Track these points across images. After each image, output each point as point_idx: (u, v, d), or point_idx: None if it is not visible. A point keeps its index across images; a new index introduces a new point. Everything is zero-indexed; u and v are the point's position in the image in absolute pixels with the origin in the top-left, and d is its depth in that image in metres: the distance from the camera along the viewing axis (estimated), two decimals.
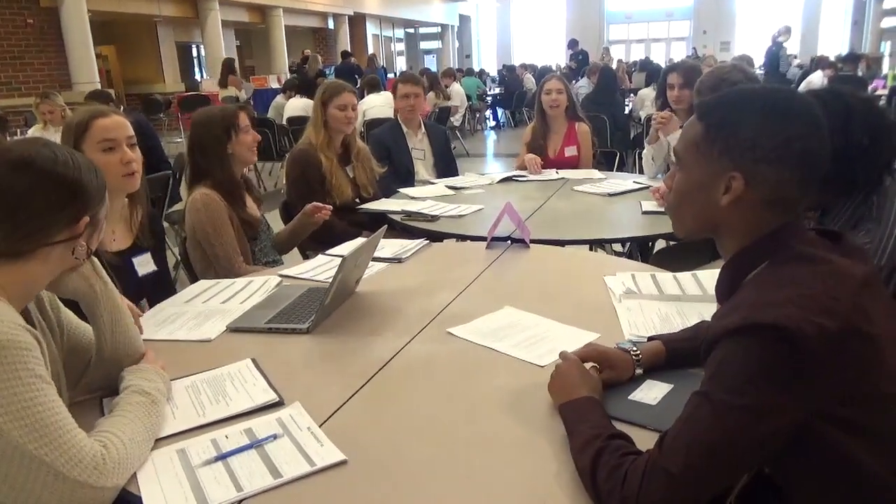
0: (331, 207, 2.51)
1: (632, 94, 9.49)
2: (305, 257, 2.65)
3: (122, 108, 5.08)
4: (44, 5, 9.95)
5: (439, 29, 24.22)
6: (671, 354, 1.28)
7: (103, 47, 12.97)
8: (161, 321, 1.65)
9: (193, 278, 2.26)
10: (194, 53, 16.41)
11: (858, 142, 1.30)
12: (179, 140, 10.40)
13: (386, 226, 1.98)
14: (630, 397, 1.19)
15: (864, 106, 1.35)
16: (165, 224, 4.14)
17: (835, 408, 0.87)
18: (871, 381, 0.88)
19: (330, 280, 1.59)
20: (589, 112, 5.80)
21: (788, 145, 0.94)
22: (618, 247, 3.35)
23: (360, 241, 2.22)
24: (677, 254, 2.74)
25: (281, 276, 1.98)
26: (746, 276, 0.99)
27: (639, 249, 3.08)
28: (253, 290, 1.86)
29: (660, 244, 2.94)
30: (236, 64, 10.70)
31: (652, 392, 1.20)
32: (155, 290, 1.90)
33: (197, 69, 16.57)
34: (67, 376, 1.23)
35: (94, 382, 1.26)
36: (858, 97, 1.39)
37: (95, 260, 1.22)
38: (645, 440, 1.00)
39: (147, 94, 12.45)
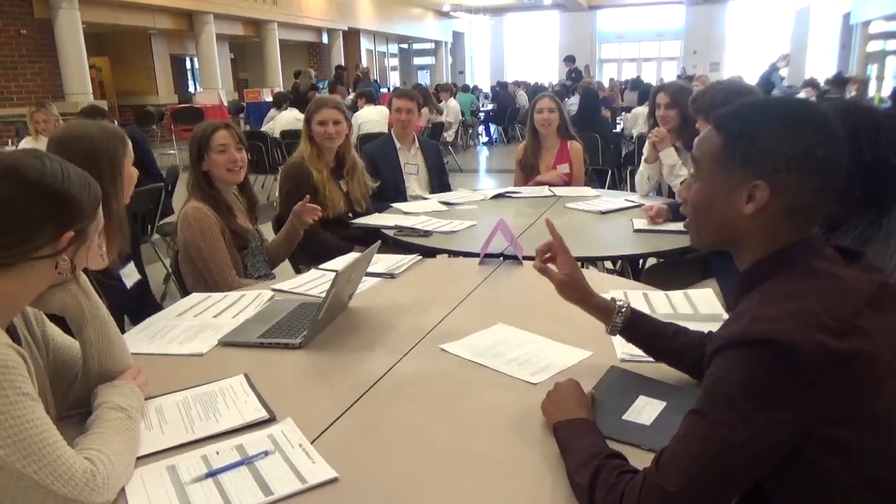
0: (320, 209, 2.50)
1: (624, 113, 9.56)
2: (298, 272, 2.64)
3: (115, 120, 5.06)
4: (38, 16, 9.96)
5: (433, 45, 24.40)
6: (633, 320, 1.34)
7: (97, 58, 12.97)
8: (152, 335, 1.64)
9: (185, 292, 2.25)
10: (188, 66, 16.44)
11: (886, 158, 1.30)
12: (172, 152, 10.40)
13: (380, 241, 1.98)
14: (624, 417, 1.19)
15: (890, 123, 1.35)
16: (157, 236, 4.15)
17: (827, 427, 0.87)
18: (867, 403, 0.88)
19: (323, 295, 1.58)
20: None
21: (810, 153, 0.94)
22: (609, 264, 3.36)
23: (353, 255, 2.22)
24: (668, 272, 2.76)
25: (273, 290, 1.98)
26: (756, 288, 0.98)
27: (630, 267, 3.10)
28: (245, 304, 1.85)
29: (650, 262, 2.96)
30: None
31: (645, 411, 1.20)
32: (140, 300, 1.90)
33: (191, 81, 16.60)
34: (54, 392, 1.21)
35: (81, 398, 1.24)
36: (883, 113, 1.39)
37: (83, 276, 1.20)
38: (639, 460, 1.00)
39: (140, 106, 12.45)
